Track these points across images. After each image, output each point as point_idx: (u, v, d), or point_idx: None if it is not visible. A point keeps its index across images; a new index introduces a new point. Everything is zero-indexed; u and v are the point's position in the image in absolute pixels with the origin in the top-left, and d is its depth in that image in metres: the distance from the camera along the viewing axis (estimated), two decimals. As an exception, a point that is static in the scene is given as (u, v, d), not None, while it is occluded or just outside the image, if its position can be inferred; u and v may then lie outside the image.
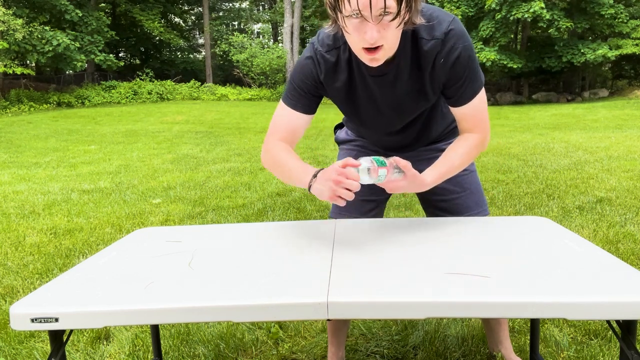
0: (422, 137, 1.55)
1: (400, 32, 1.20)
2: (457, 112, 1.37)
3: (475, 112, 1.35)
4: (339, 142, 1.73)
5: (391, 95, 1.37)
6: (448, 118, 1.55)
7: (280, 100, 1.44)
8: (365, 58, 1.22)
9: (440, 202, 1.61)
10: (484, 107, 1.36)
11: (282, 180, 1.41)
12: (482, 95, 1.35)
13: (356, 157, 1.22)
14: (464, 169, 1.51)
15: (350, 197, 1.14)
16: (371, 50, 1.18)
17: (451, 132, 1.60)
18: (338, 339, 1.74)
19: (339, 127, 1.76)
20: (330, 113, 16.07)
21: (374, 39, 1.14)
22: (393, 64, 1.30)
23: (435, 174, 1.32)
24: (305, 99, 1.40)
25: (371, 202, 1.64)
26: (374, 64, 1.23)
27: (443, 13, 1.28)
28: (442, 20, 1.26)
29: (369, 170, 1.17)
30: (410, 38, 1.27)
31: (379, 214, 1.69)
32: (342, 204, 1.16)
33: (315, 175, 1.24)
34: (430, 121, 1.51)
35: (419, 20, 1.21)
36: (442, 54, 1.26)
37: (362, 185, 1.22)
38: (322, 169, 1.23)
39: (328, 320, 1.00)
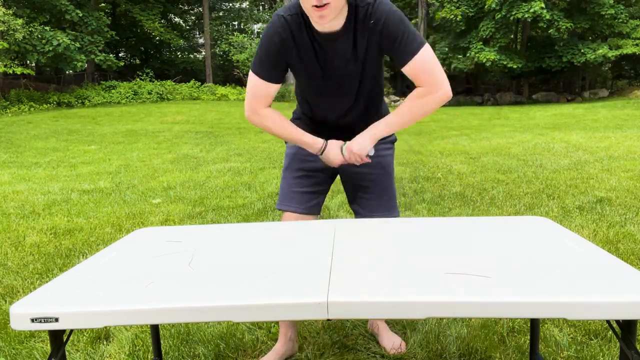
0: (365, 119, 1.67)
1: None
2: (406, 70, 1.50)
3: (423, 67, 1.47)
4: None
5: (340, 61, 1.53)
6: (383, 108, 1.74)
7: (251, 71, 1.59)
8: (314, 16, 1.39)
9: (357, 199, 1.79)
10: (431, 64, 1.48)
11: (277, 137, 1.67)
12: (425, 52, 1.47)
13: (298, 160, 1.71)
14: (381, 170, 1.74)
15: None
16: (319, 7, 1.36)
17: None
18: (286, 322, 1.83)
19: None
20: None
21: None
22: (341, 31, 1.48)
23: (385, 126, 1.57)
24: (274, 71, 1.56)
25: (313, 193, 1.77)
26: (323, 21, 1.40)
27: None
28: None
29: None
30: (354, 9, 1.46)
31: (319, 206, 1.81)
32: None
33: (323, 150, 1.60)
34: (373, 102, 1.67)
35: None
36: (373, 17, 1.45)
37: (307, 177, 1.73)
38: (326, 143, 1.60)
39: (328, 320, 1.00)
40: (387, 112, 1.71)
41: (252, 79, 1.59)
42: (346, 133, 1.65)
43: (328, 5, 1.36)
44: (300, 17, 1.48)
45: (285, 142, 1.83)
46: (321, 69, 1.56)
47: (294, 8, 1.50)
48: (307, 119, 1.76)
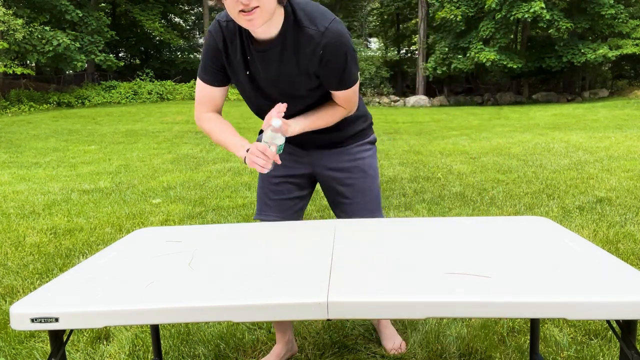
0: (310, 133, 1.58)
1: None
2: (333, 93, 1.51)
3: (347, 97, 1.51)
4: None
5: (273, 72, 1.46)
6: (360, 110, 1.68)
7: (197, 76, 1.57)
8: (243, 21, 1.30)
9: (339, 205, 1.73)
10: (355, 94, 1.53)
11: (218, 144, 1.60)
12: (355, 87, 1.51)
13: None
14: (361, 172, 1.68)
15: (263, 167, 1.38)
16: (247, 12, 1.27)
17: (361, 132, 1.71)
18: (281, 325, 1.81)
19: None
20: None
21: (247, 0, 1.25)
22: (276, 42, 1.40)
23: (301, 124, 1.50)
24: (215, 74, 1.52)
25: (291, 200, 1.72)
26: (252, 27, 1.32)
27: (327, 11, 1.41)
28: (325, 16, 1.39)
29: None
30: (293, 23, 1.38)
31: (300, 213, 1.77)
32: (261, 170, 1.38)
33: (247, 151, 1.45)
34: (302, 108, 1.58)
35: None
36: (321, 46, 1.38)
37: (285, 184, 1.67)
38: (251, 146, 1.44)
39: (328, 320, 1.00)
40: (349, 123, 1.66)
41: (197, 83, 1.58)
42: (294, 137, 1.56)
43: (257, 9, 1.27)
44: (235, 24, 1.42)
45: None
46: (250, 79, 1.50)
47: None
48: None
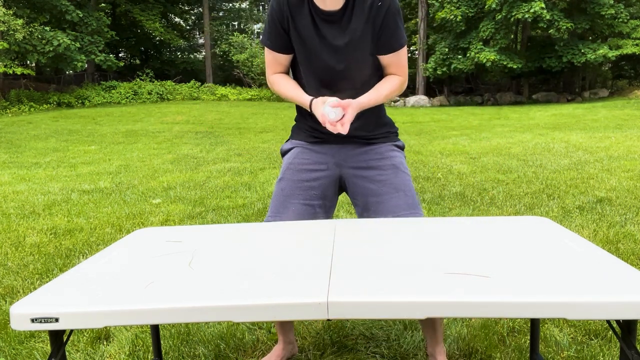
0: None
1: None
2: (385, 59, 1.61)
3: (400, 61, 1.62)
4: (283, 153, 1.82)
5: (338, 38, 1.56)
6: (380, 109, 1.72)
7: (261, 42, 1.70)
8: None
9: (371, 206, 1.63)
10: (406, 59, 1.64)
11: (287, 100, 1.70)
12: (405, 49, 1.63)
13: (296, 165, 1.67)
14: (397, 169, 1.66)
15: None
16: None
17: (389, 134, 1.74)
18: (284, 326, 1.80)
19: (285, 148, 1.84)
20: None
21: None
22: (342, 9, 1.53)
23: (365, 98, 1.56)
24: (274, 38, 1.61)
25: (311, 207, 1.64)
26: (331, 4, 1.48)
27: None
28: None
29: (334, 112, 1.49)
30: None
31: (328, 216, 1.70)
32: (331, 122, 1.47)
33: (310, 106, 1.57)
34: (367, 86, 1.64)
35: None
36: (377, 2, 1.52)
37: (305, 189, 1.63)
38: (312, 100, 1.56)
39: (328, 320, 1.00)
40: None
41: (265, 50, 1.68)
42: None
43: None
44: None
45: (281, 153, 1.82)
46: (316, 45, 1.57)
47: None
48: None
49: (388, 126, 1.75)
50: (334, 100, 1.48)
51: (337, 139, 1.66)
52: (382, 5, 1.51)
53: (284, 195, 1.65)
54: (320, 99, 1.54)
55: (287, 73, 1.71)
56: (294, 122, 1.83)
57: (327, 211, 1.69)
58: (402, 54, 1.61)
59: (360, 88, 1.62)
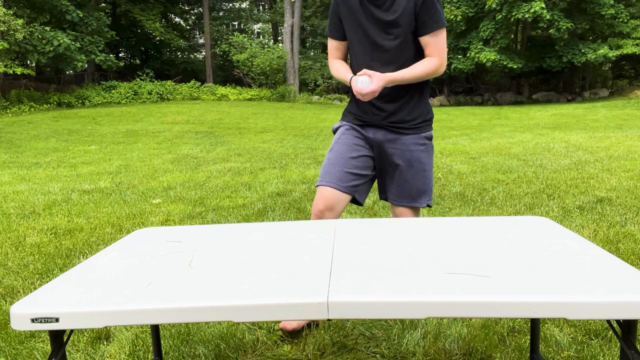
0: (400, 89, 1.89)
1: None
2: (424, 40, 1.80)
3: (437, 42, 1.80)
4: (334, 130, 2.10)
5: (383, 16, 1.81)
6: (425, 96, 1.97)
7: (325, 34, 2.02)
8: None
9: (397, 188, 1.95)
10: (444, 42, 1.81)
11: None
12: (444, 32, 1.81)
13: (345, 142, 1.96)
14: (406, 163, 1.91)
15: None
16: None
17: (421, 124, 1.96)
18: None
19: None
20: (330, 113, 16.05)
21: None
22: None
23: (394, 74, 1.78)
24: (335, 27, 1.93)
25: (350, 174, 1.93)
26: None
27: None
28: None
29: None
30: None
31: (358, 190, 1.97)
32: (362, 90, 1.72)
33: (349, 82, 1.84)
34: (409, 58, 1.88)
35: None
36: None
37: (351, 159, 1.92)
38: (351, 78, 1.84)
39: (328, 320, 1.00)
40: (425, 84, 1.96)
41: (327, 40, 2.00)
42: (384, 95, 1.88)
43: None
44: None
45: (333, 131, 2.11)
46: (364, 22, 1.84)
47: None
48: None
49: (423, 115, 1.96)
50: (364, 71, 1.73)
51: (374, 123, 1.95)
52: None
53: (330, 164, 1.95)
54: (357, 74, 1.78)
55: (344, 60, 1.98)
56: (346, 106, 2.16)
57: (364, 182, 1.98)
58: (440, 35, 1.78)
59: (404, 66, 1.83)
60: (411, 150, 1.92)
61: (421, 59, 1.85)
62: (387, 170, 1.97)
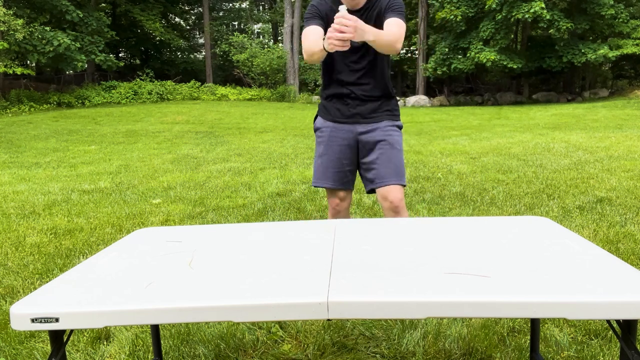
0: (371, 82, 2.14)
1: None
2: (387, 21, 1.99)
3: (397, 23, 1.98)
4: (316, 129, 2.28)
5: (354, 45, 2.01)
6: (393, 97, 2.24)
7: (304, 29, 2.08)
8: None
9: (371, 171, 2.15)
10: (402, 26, 1.99)
11: (316, 58, 2.01)
12: (403, 22, 2.00)
13: (328, 144, 2.21)
14: (388, 145, 2.14)
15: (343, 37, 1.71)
16: None
17: (392, 114, 2.21)
18: None
19: (315, 118, 2.32)
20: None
21: None
22: (362, 8, 2.06)
23: (373, 30, 1.85)
24: (315, 19, 2.07)
25: (341, 172, 2.18)
26: (355, 4, 2.02)
27: None
28: None
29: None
30: None
31: (352, 183, 2.23)
32: (338, 45, 1.72)
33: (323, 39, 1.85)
34: (378, 69, 2.14)
35: None
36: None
37: (337, 159, 2.17)
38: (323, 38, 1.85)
39: (328, 320, 1.00)
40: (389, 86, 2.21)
41: (304, 33, 2.08)
42: (356, 90, 2.13)
43: None
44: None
45: (314, 129, 2.29)
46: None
47: None
48: (329, 91, 2.21)
49: (393, 109, 2.22)
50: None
51: (354, 120, 2.17)
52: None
53: (324, 167, 2.19)
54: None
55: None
56: (321, 102, 2.28)
57: (353, 172, 2.22)
58: (398, 20, 1.98)
59: (376, 65, 2.11)
60: (390, 134, 2.16)
61: (382, 66, 2.14)
62: (370, 155, 2.16)
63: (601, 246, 2.88)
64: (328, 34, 1.75)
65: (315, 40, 1.99)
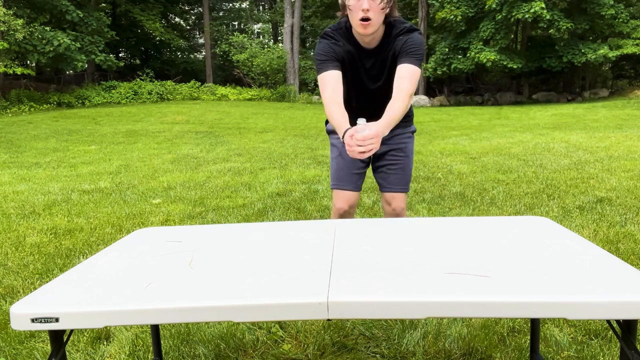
0: (383, 107, 2.00)
1: (382, 15, 1.88)
2: (400, 67, 1.90)
3: (410, 73, 1.89)
4: (329, 132, 2.29)
5: (373, 63, 2.02)
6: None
7: (318, 77, 1.99)
8: (361, 28, 1.87)
9: (381, 174, 2.20)
10: (415, 76, 1.90)
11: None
12: (418, 69, 1.90)
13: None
14: (402, 153, 2.17)
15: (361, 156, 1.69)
16: (364, 20, 1.84)
17: (407, 120, 2.18)
18: None
19: (327, 121, 2.29)
20: (330, 113, 16.04)
21: (366, 5, 1.81)
22: (376, 48, 1.99)
23: (387, 122, 1.80)
24: (331, 61, 1.96)
25: (358, 174, 2.20)
26: (366, 32, 1.88)
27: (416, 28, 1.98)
28: (412, 25, 1.98)
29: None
30: (387, 30, 1.96)
31: (362, 181, 2.26)
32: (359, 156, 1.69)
33: (344, 135, 1.75)
34: (388, 96, 2.00)
35: (395, 14, 1.95)
36: (402, 35, 1.94)
37: (353, 160, 2.13)
38: (347, 130, 1.74)
39: (328, 320, 1.00)
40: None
41: (320, 82, 1.99)
42: (371, 110, 2.04)
43: (370, 21, 1.84)
44: (343, 32, 2.00)
45: (329, 133, 2.30)
46: (360, 73, 2.03)
47: (337, 25, 2.03)
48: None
49: (407, 114, 2.17)
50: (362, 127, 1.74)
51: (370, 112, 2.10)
52: (403, 37, 1.93)
53: (340, 169, 2.20)
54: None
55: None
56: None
57: (365, 174, 2.24)
58: (412, 67, 1.89)
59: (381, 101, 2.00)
60: (404, 141, 2.18)
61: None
62: (383, 160, 2.19)
63: (601, 246, 2.88)
64: (349, 146, 1.68)
65: (335, 108, 1.88)
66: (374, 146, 1.66)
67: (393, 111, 1.83)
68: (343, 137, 1.76)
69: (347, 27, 1.98)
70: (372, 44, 1.98)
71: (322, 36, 2.01)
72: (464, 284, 1.00)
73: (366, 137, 1.65)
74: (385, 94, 2.02)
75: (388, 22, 1.94)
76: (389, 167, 2.19)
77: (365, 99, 2.12)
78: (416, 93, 23.69)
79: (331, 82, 1.93)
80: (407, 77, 1.88)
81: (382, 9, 1.85)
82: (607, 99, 19.39)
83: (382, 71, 2.04)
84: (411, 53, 1.91)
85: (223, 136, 10.53)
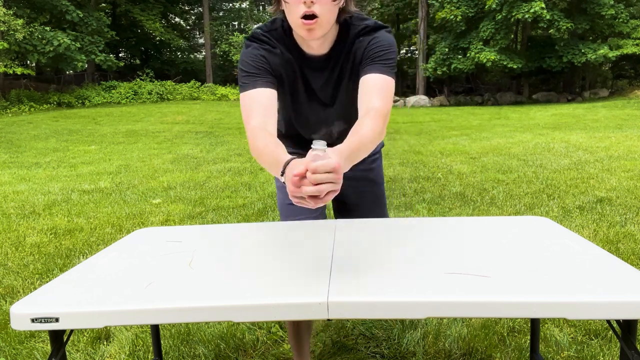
0: (342, 137, 1.40)
1: (335, 10, 1.30)
2: (365, 79, 1.35)
3: (381, 86, 1.33)
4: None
5: (325, 78, 1.45)
6: None
7: (240, 96, 1.42)
8: (303, 30, 1.29)
9: (347, 213, 1.69)
10: (390, 90, 1.35)
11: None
12: (391, 81, 1.35)
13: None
14: (370, 182, 1.66)
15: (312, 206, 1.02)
16: (308, 18, 1.26)
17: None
18: (301, 348, 1.63)
19: None
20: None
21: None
22: (328, 53, 1.41)
23: (349, 153, 1.16)
24: (262, 76, 1.38)
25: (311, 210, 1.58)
26: (311, 36, 1.30)
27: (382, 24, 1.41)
28: (377, 22, 1.40)
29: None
30: (342, 31, 1.40)
31: (323, 215, 1.69)
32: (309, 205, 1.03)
33: (282, 173, 1.11)
34: (353, 109, 1.41)
35: (353, 8, 1.37)
36: (364, 35, 1.38)
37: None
38: (286, 165, 1.09)
39: (328, 320, 0.99)
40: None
41: (241, 101, 1.45)
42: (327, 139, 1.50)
43: (317, 20, 1.26)
44: (278, 33, 1.44)
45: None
46: (304, 92, 1.48)
47: (270, 24, 1.47)
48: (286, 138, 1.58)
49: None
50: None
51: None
52: (365, 39, 1.38)
53: (288, 203, 1.57)
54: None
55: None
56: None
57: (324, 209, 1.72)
58: (383, 79, 1.35)
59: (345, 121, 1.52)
60: (371, 167, 1.67)
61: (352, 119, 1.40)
62: (350, 196, 1.66)
63: (601, 246, 2.88)
64: (293, 192, 1.00)
65: (264, 137, 1.25)
66: (333, 187, 0.97)
67: (361, 136, 1.21)
68: (283, 173, 1.09)
69: (285, 28, 1.42)
70: (321, 50, 1.40)
71: (250, 39, 1.44)
72: (464, 284, 1.00)
73: (323, 165, 0.96)
74: (341, 123, 1.53)
75: (343, 20, 1.38)
76: (361, 204, 1.67)
77: (312, 131, 1.55)
78: (416, 93, 23.72)
79: (260, 105, 1.34)
80: (376, 91, 1.32)
81: (334, 1, 1.28)
82: (607, 99, 19.39)
83: (337, 90, 1.47)
84: (379, 59, 1.35)
85: (223, 136, 10.52)
